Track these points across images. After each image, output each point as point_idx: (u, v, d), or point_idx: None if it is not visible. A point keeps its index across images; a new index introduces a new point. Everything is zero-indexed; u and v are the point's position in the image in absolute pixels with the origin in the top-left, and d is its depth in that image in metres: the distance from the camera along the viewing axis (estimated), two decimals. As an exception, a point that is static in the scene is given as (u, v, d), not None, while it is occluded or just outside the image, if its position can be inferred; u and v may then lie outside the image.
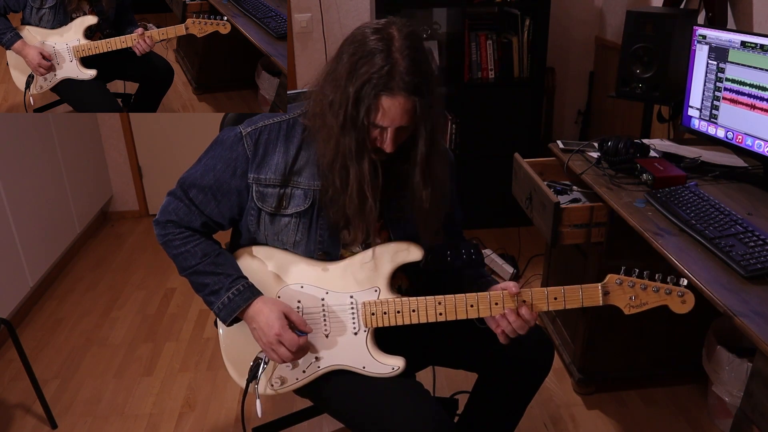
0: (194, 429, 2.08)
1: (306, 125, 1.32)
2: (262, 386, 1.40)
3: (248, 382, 1.39)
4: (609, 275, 1.26)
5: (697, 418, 2.07)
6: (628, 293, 1.25)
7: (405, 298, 1.31)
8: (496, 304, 1.29)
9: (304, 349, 1.34)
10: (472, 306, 1.29)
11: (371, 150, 1.25)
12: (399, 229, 1.39)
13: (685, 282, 1.23)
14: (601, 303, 1.26)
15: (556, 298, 1.28)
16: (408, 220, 1.39)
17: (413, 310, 1.31)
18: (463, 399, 1.66)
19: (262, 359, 1.38)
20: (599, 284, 1.26)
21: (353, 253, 1.38)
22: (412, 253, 1.34)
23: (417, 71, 1.18)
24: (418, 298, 1.30)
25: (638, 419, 2.08)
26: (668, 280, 1.24)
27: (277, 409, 2.03)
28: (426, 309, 1.30)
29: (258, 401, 1.39)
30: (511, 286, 1.30)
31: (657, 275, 1.25)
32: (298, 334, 1.31)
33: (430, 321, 1.31)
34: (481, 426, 1.57)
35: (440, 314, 1.30)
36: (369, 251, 1.35)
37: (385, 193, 1.33)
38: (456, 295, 1.29)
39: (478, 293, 1.29)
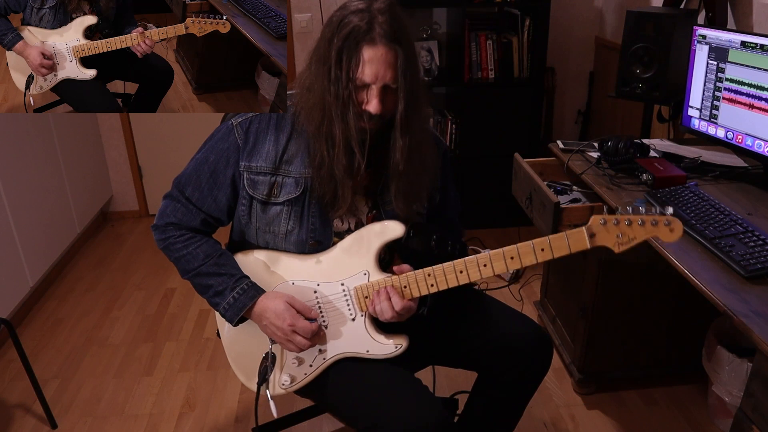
0: (194, 429, 2.08)
1: (294, 113, 1.33)
2: (272, 387, 1.41)
3: (259, 385, 1.40)
4: (593, 216, 1.21)
5: (697, 418, 2.07)
6: (614, 231, 1.20)
7: (395, 276, 1.31)
8: (485, 265, 1.27)
9: (318, 333, 1.34)
10: (461, 272, 1.28)
11: (359, 114, 1.24)
12: (392, 217, 1.38)
13: (671, 210, 1.19)
14: (588, 246, 1.22)
15: (543, 249, 1.24)
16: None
17: (405, 286, 1.30)
18: (463, 399, 1.66)
19: (268, 362, 1.38)
20: (583, 227, 1.22)
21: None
22: (394, 230, 1.33)
23: (396, 23, 1.21)
24: (408, 273, 1.30)
25: (638, 419, 2.07)
26: (652, 211, 1.20)
27: (277, 409, 2.02)
28: (417, 283, 1.30)
29: (271, 402, 1.40)
30: (404, 268, 1.31)
31: (641, 208, 1.21)
32: (309, 320, 1.33)
33: (423, 294, 1.30)
34: (481, 425, 1.57)
35: (432, 285, 1.29)
36: (351, 236, 1.36)
37: (376, 182, 1.35)
38: (444, 264, 1.28)
39: (465, 258, 1.28)
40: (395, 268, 1.32)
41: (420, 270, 1.29)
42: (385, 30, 1.19)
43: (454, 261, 1.28)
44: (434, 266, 1.29)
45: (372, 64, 1.20)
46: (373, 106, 1.23)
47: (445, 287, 1.30)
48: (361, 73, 1.21)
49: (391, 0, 1.24)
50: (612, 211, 1.22)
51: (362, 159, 1.27)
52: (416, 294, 1.31)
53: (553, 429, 2.05)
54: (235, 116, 1.37)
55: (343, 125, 1.24)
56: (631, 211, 1.20)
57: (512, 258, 1.25)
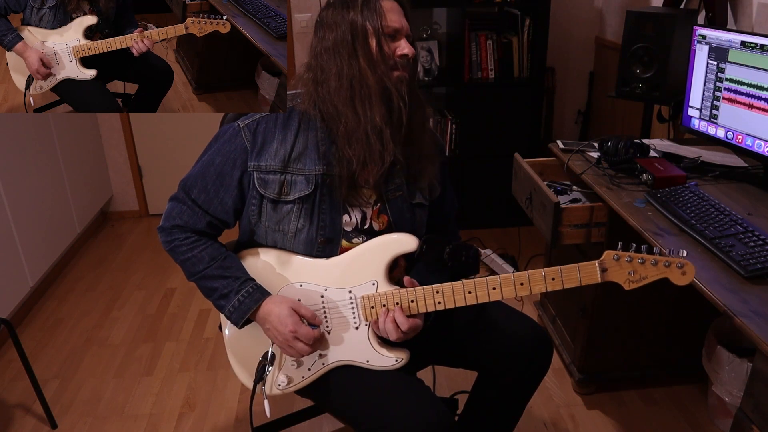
0: (194, 429, 2.08)
1: (302, 111, 1.34)
2: (269, 387, 1.41)
3: (255, 383, 1.40)
4: (606, 251, 1.22)
5: (697, 418, 2.07)
6: (627, 268, 1.21)
7: (403, 290, 1.31)
8: (494, 288, 1.27)
9: (320, 340, 1.35)
10: (470, 292, 1.28)
11: (393, 65, 1.30)
12: (396, 208, 1.40)
13: (685, 253, 1.19)
14: (599, 280, 1.23)
15: (553, 279, 1.24)
16: (406, 199, 1.40)
17: (412, 301, 1.30)
18: (463, 399, 1.66)
19: (267, 360, 1.38)
20: (596, 261, 1.23)
21: (353, 245, 1.38)
22: (407, 244, 1.33)
23: None
24: (416, 288, 1.30)
25: (638, 419, 2.08)
26: (667, 252, 1.20)
27: (278, 409, 2.03)
28: (425, 298, 1.30)
29: (266, 402, 1.40)
30: (407, 281, 1.31)
31: (655, 248, 1.21)
32: (312, 327, 1.32)
33: (429, 310, 1.31)
34: (481, 425, 1.57)
35: (439, 303, 1.29)
36: (364, 245, 1.36)
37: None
38: (453, 283, 1.29)
39: (475, 279, 1.28)
40: (405, 280, 1.32)
41: (429, 286, 1.29)
42: None
43: (464, 281, 1.28)
44: (443, 284, 1.29)
45: (393, 13, 1.30)
46: (407, 48, 1.30)
47: (453, 306, 1.30)
48: (390, 21, 1.29)
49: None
50: (627, 247, 1.22)
51: (405, 107, 1.30)
52: (422, 310, 1.31)
53: (553, 429, 2.05)
54: (241, 118, 1.37)
55: (377, 76, 1.28)
56: (645, 249, 1.20)
57: (522, 284, 1.26)
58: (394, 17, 1.30)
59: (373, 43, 1.28)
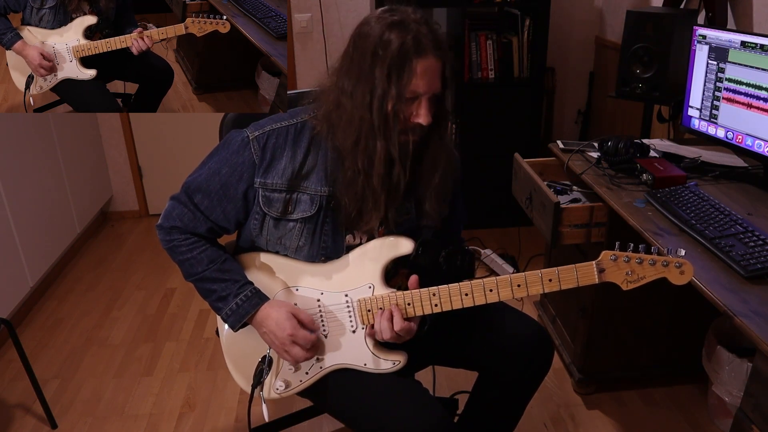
0: (194, 429, 2.08)
1: (316, 128, 1.31)
2: (266, 391, 1.41)
3: (253, 387, 1.39)
4: (603, 252, 1.22)
5: (697, 418, 2.07)
6: (624, 269, 1.20)
7: (400, 292, 1.31)
8: (491, 290, 1.27)
9: (316, 346, 1.34)
10: (466, 294, 1.28)
11: (404, 129, 1.24)
12: (402, 231, 1.38)
13: (683, 252, 1.19)
14: (597, 281, 1.22)
15: (551, 280, 1.24)
16: (413, 222, 1.38)
17: (408, 304, 1.30)
18: (463, 399, 1.66)
19: (264, 365, 1.38)
20: (594, 262, 1.22)
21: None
22: (403, 246, 1.32)
23: (435, 31, 1.22)
24: (413, 291, 1.30)
25: (638, 419, 2.08)
26: (665, 251, 1.20)
27: (278, 409, 2.03)
28: (421, 301, 1.29)
29: (264, 406, 1.39)
30: (413, 282, 1.30)
31: (653, 248, 1.21)
32: (309, 332, 1.32)
33: (426, 313, 1.30)
34: (481, 425, 1.57)
35: (436, 305, 1.29)
36: (360, 248, 1.35)
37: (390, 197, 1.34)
38: (450, 285, 1.28)
39: (472, 281, 1.28)
40: (411, 279, 1.31)
41: (425, 289, 1.29)
42: (430, 40, 1.19)
43: (460, 283, 1.28)
44: (440, 287, 1.28)
45: (425, 76, 1.20)
46: (424, 117, 1.22)
47: (450, 308, 1.29)
48: (415, 86, 1.19)
49: (419, 10, 1.24)
50: (624, 246, 1.22)
51: (404, 174, 1.26)
52: (419, 312, 1.30)
53: (553, 429, 2.05)
54: (251, 126, 1.34)
55: (384, 141, 1.23)
56: (643, 249, 1.20)
57: (519, 286, 1.26)
58: (423, 82, 1.20)
59: (389, 105, 1.20)
